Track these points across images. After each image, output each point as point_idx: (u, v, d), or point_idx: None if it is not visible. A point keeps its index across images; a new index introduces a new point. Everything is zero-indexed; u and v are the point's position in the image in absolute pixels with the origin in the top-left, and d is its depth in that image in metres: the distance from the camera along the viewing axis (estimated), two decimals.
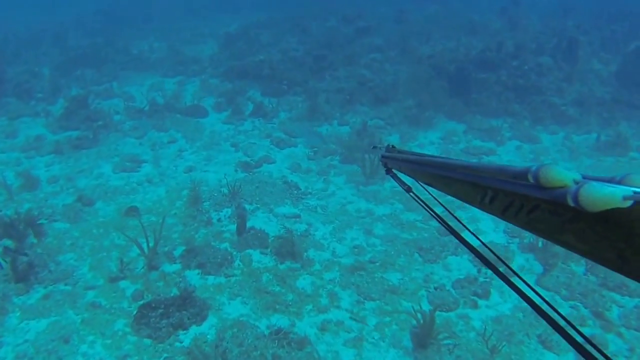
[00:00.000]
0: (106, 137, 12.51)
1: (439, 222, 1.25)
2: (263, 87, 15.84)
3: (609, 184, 0.55)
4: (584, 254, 0.53)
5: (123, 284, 6.93)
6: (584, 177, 0.63)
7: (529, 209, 0.62)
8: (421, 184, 1.29)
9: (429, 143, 12.69)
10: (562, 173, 0.61)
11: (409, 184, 1.67)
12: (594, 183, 0.54)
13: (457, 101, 14.63)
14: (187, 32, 24.59)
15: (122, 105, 14.65)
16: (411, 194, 1.58)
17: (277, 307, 6.55)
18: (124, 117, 14.00)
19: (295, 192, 9.89)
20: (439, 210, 1.37)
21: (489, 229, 8.39)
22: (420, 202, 1.46)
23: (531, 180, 0.63)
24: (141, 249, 7.22)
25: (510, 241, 8.14)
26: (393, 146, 1.92)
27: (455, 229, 1.19)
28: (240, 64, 17.29)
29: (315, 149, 11.95)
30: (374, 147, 2.34)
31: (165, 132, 12.99)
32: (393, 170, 1.73)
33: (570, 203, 0.54)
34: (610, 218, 0.49)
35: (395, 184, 1.78)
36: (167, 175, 10.60)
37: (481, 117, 14.15)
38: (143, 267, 7.23)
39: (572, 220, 0.54)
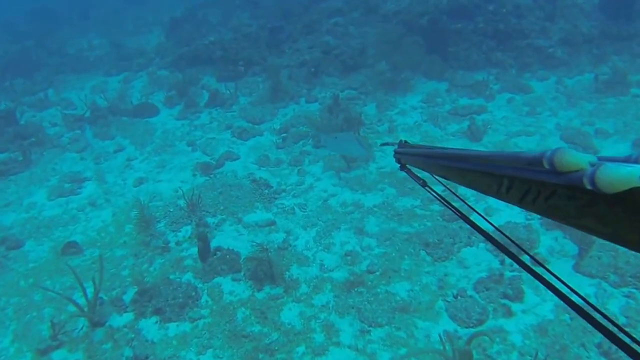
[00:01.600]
0: (40, 156, 10.66)
1: (455, 212, 1.16)
2: (218, 72, 14.04)
3: (625, 164, 0.56)
4: (605, 237, 0.50)
5: (57, 355, 5.34)
6: (600, 159, 0.63)
7: (546, 196, 0.58)
8: (436, 177, 1.25)
9: (410, 109, 11.13)
10: (577, 156, 0.61)
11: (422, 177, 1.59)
12: (610, 164, 0.54)
13: (435, 57, 13.07)
14: (129, 23, 22.40)
15: (60, 115, 12.74)
16: (427, 188, 1.59)
17: (260, 356, 5.06)
18: (62, 128, 12.12)
19: (266, 191, 8.29)
20: (438, 189, 1.51)
21: (502, 205, 6.96)
22: (436, 195, 1.46)
23: (546, 165, 0.62)
24: (77, 305, 5.61)
25: (529, 217, 6.73)
26: (406, 141, 1.83)
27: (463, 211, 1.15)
28: (190, 50, 15.39)
29: (284, 134, 10.34)
30: (383, 144, 2.29)
31: (111, 140, 11.20)
32: (407, 165, 1.68)
33: (587, 186, 0.53)
34: (630, 198, 0.46)
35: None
36: (113, 193, 8.88)
37: (463, 72, 12.65)
38: (84, 327, 5.63)
39: (590, 203, 0.51)
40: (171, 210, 7.95)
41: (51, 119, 12.65)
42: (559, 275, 0.80)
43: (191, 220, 7.50)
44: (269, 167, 9.14)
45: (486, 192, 0.76)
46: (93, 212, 8.34)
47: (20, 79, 16.05)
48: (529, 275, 0.80)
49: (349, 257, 6.44)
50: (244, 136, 10.48)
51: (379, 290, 5.78)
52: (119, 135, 11.36)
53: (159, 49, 17.20)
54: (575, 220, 0.54)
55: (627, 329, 0.81)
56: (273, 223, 7.34)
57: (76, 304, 5.60)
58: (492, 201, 6.92)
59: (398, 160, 1.72)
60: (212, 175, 9.03)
